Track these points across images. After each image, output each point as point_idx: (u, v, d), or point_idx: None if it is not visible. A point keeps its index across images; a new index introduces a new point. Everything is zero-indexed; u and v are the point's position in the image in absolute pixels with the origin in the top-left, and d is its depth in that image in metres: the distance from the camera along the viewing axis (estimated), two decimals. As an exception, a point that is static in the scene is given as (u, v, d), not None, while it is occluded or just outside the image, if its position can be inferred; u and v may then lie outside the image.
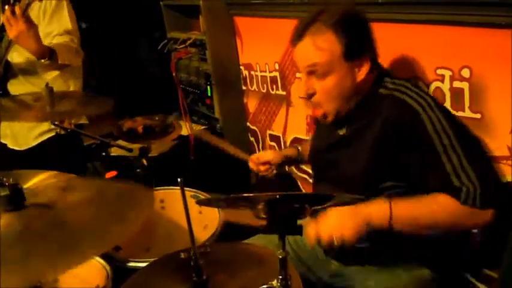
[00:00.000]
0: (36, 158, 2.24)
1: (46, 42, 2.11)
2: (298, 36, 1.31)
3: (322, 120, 1.41)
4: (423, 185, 1.27)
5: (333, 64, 1.28)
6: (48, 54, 1.99)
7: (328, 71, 1.29)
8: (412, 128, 1.24)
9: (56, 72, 2.14)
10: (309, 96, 1.35)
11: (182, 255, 1.04)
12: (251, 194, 1.00)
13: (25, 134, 2.26)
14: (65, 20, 2.14)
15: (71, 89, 2.26)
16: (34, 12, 2.10)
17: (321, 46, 1.27)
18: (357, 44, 1.28)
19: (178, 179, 0.98)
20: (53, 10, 2.11)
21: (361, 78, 1.31)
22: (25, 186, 1.01)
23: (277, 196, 0.97)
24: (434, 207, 1.22)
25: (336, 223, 1.21)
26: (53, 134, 2.23)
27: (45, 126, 2.22)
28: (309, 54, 1.30)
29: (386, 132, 1.28)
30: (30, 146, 2.26)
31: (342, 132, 1.42)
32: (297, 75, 2.28)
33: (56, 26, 2.12)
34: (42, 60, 1.98)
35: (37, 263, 0.85)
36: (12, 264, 0.84)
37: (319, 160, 1.55)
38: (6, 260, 0.84)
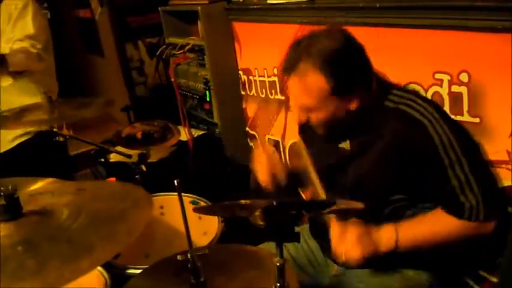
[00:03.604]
0: (13, 160, 2.24)
1: (7, 47, 2.09)
2: (287, 69, 1.29)
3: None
4: (428, 199, 1.31)
5: (323, 102, 1.27)
6: None
7: (318, 107, 1.29)
8: (420, 143, 1.26)
9: (9, 81, 2.14)
10: (303, 123, 1.36)
11: (179, 258, 1.04)
12: (248, 201, 0.99)
13: (1, 138, 2.26)
14: (27, 25, 2.12)
15: (43, 90, 2.25)
16: (2, 16, 2.10)
17: (309, 87, 1.25)
18: (346, 83, 1.26)
19: (175, 181, 0.97)
20: (18, 15, 2.10)
21: (354, 107, 1.30)
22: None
23: (274, 203, 0.96)
24: (438, 229, 1.28)
25: (349, 242, 1.24)
26: (29, 137, 2.24)
27: (20, 130, 2.22)
28: (298, 94, 1.29)
29: (394, 147, 1.29)
30: (6, 149, 2.26)
31: (344, 145, 1.41)
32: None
33: (18, 31, 2.11)
34: None
35: (54, 268, 0.85)
36: (32, 273, 0.84)
37: (323, 177, 1.49)
38: (25, 270, 0.84)
